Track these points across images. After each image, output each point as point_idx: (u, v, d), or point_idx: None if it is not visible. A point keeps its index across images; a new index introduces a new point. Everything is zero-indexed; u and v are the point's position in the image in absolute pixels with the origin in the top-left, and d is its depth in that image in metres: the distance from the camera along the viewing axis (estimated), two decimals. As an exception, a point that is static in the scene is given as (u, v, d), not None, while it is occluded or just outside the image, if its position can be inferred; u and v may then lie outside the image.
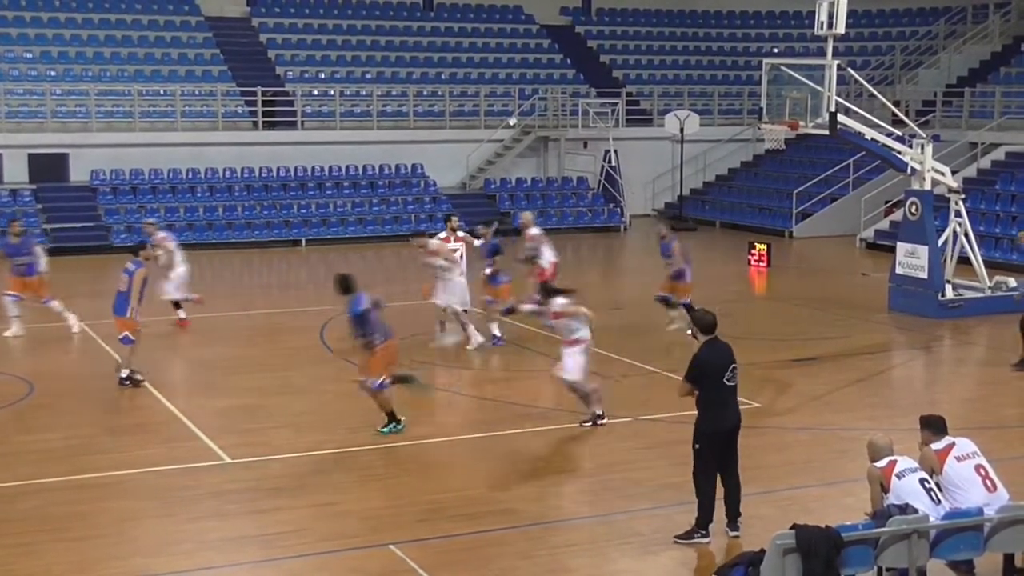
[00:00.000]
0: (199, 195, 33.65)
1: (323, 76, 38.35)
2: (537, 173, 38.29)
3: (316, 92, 37.46)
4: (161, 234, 21.24)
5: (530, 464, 13.15)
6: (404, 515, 11.45)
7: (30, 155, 32.87)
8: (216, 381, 17.10)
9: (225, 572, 10.34)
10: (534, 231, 20.54)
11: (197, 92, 35.78)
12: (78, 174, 33.35)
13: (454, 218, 20.62)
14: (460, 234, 19.99)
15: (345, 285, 13.89)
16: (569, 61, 42.18)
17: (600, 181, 37.55)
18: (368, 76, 38.65)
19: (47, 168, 32.98)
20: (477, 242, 20.04)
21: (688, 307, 19.23)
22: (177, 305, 20.95)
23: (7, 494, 12.02)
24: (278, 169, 34.75)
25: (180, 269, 20.94)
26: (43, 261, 20.28)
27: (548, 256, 20.22)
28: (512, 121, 37.53)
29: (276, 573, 10.31)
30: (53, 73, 35.35)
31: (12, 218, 21.26)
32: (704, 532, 10.67)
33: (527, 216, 21.28)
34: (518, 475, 12.75)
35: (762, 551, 8.96)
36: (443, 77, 39.57)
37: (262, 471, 12.85)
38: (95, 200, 32.65)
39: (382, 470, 12.94)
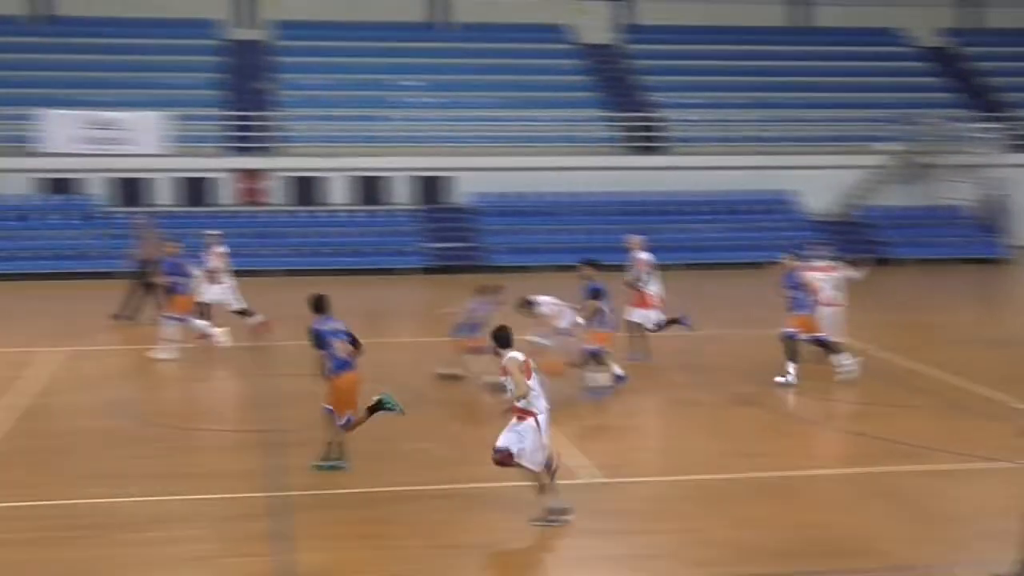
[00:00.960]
0: (570, 218, 34.53)
1: (693, 101, 38.50)
2: (913, 201, 36.84)
3: (686, 117, 37.66)
4: (220, 248, 22.01)
5: (904, 504, 12.63)
6: (768, 547, 11.28)
7: (417, 178, 34.84)
8: (598, 402, 17.32)
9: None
10: (642, 255, 19.60)
11: (569, 118, 36.77)
12: (459, 196, 35.05)
13: (822, 248, 20.20)
14: (829, 264, 19.53)
15: (317, 305, 13.56)
16: (948, 84, 40.41)
17: (981, 210, 35.73)
18: (739, 101, 38.47)
19: (432, 190, 34.85)
20: (854, 273, 19.51)
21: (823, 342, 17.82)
22: (245, 313, 21.85)
23: (387, 498, 12.69)
24: (642, 193, 35.11)
25: (229, 281, 21.89)
26: (194, 282, 20.77)
27: (654, 287, 19.35)
28: (887, 147, 36.31)
29: (642, 594, 10.41)
30: (440, 100, 37.31)
31: (170, 238, 21.73)
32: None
33: (635, 239, 20.01)
34: (890, 515, 12.27)
35: None
36: (815, 101, 38.84)
37: (631, 492, 12.98)
38: (475, 222, 34.17)
39: (750, 499, 12.79)
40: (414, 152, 35.56)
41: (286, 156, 35.05)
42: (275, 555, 10.91)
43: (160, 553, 11.04)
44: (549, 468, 11.59)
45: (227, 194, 34.13)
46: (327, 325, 13.28)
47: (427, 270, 32.51)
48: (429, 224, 33.93)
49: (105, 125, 33.50)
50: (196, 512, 12.16)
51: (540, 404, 11.48)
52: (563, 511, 11.55)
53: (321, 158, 34.80)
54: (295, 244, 33.02)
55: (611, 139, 37.06)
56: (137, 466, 13.90)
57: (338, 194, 34.62)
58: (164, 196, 33.79)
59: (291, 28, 39.45)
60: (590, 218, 34.65)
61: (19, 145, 33.65)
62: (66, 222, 32.67)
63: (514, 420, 11.45)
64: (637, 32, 41.53)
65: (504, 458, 11.36)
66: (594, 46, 40.86)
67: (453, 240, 33.30)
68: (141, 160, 33.54)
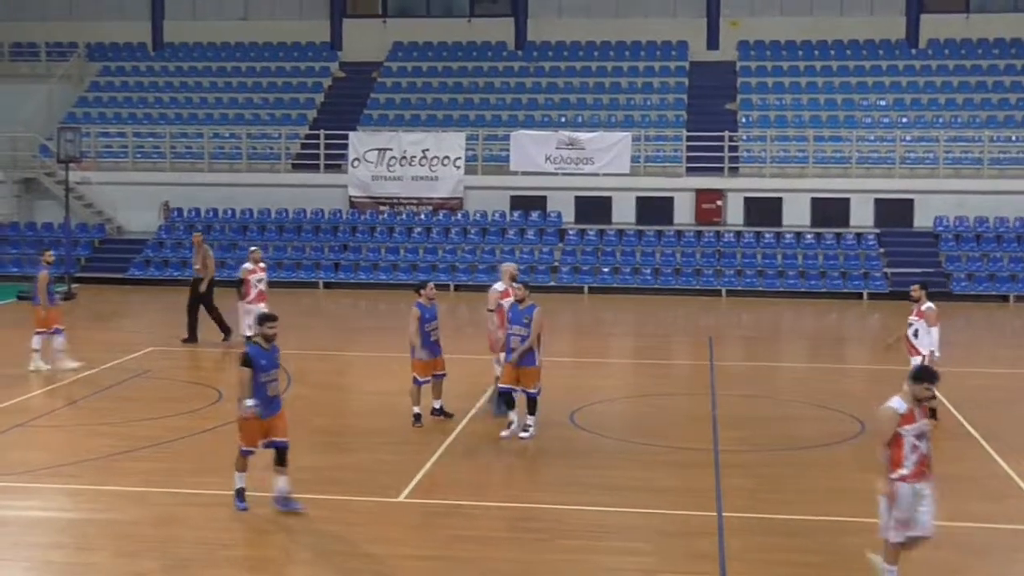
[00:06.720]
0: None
1: None
2: None
3: None
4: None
5: None
6: None
7: (876, 200, 33.86)
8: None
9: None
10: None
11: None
12: (922, 220, 33.74)
13: None
14: None
15: None
16: None
17: None
18: None
19: (892, 213, 33.75)
20: None
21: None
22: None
23: (829, 528, 12.50)
24: None
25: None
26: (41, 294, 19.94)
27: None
28: None
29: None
30: (905, 120, 36.11)
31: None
32: None
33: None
34: None
35: None
36: None
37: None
38: (937, 247, 32.78)
39: None
40: (876, 174, 34.61)
41: (745, 177, 35.12)
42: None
43: (598, 563, 11.45)
44: None
45: (684, 214, 34.62)
46: None
47: (884, 296, 31.48)
48: (889, 248, 32.83)
49: (574, 145, 34.93)
50: (638, 525, 12.53)
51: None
52: None
53: (780, 179, 34.59)
54: (750, 265, 32.97)
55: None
56: (587, 476, 14.48)
57: (795, 215, 34.19)
58: (624, 214, 34.78)
59: (758, 49, 39.51)
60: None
61: (497, 164, 35.80)
62: (537, 238, 34.31)
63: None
64: None
65: None
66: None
67: (914, 266, 32.03)
68: (604, 179, 34.72)
